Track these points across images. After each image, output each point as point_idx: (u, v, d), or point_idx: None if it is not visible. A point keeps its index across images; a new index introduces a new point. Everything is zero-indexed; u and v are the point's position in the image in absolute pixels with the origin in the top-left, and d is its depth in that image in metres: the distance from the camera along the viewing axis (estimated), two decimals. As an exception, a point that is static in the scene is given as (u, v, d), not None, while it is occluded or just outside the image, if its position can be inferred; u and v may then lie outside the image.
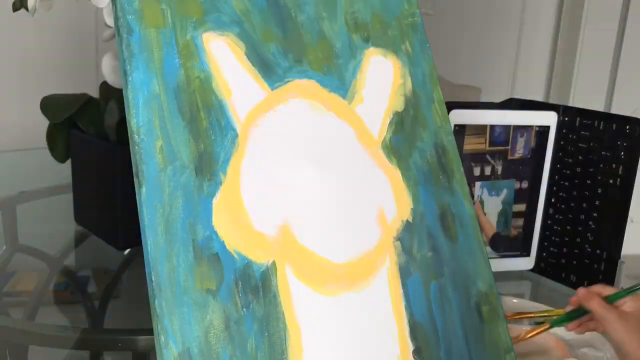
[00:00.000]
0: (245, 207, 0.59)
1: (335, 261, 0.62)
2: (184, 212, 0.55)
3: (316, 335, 0.58)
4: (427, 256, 0.68)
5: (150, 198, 0.54)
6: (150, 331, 0.76)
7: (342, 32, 0.72)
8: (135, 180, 0.55)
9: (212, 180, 0.58)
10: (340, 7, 0.73)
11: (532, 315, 0.84)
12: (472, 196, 0.97)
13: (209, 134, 0.59)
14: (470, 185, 0.98)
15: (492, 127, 0.87)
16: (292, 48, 0.68)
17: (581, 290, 0.72)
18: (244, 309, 0.55)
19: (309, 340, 0.58)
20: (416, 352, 0.64)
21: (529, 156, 0.99)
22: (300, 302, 0.58)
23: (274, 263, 0.58)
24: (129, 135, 0.57)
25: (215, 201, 0.57)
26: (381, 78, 0.73)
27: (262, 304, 0.56)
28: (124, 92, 0.58)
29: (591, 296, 0.70)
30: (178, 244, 0.54)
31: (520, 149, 0.96)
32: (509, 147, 0.92)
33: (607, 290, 0.71)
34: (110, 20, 0.76)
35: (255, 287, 0.56)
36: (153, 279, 0.52)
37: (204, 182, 0.57)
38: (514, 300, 0.87)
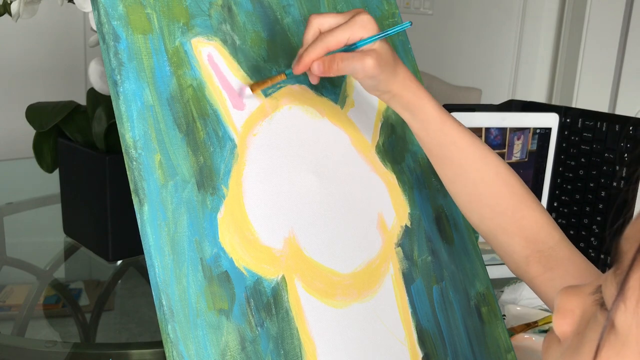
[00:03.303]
0: (250, 220, 0.56)
1: (341, 272, 0.60)
2: (190, 229, 0.52)
3: (330, 350, 0.56)
4: (427, 260, 0.68)
5: (153, 217, 0.51)
6: (143, 345, 0.74)
7: (328, 34, 0.70)
8: (134, 198, 0.52)
9: (215, 194, 0.55)
10: (323, 7, 0.71)
11: (539, 323, 0.85)
12: None
13: (207, 146, 0.56)
14: None
15: (488, 129, 0.86)
16: (282, 52, 0.65)
17: (317, 65, 0.57)
18: (259, 328, 0.53)
19: (324, 354, 0.56)
20: (425, 358, 0.63)
21: (526, 159, 0.98)
22: (313, 317, 0.56)
23: (283, 277, 0.56)
24: (123, 150, 0.53)
25: (220, 216, 0.54)
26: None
27: (275, 321, 0.54)
28: (114, 103, 0.54)
29: (329, 60, 0.56)
30: (186, 264, 0.51)
31: (517, 152, 0.95)
32: (505, 150, 0.92)
33: (335, 40, 0.57)
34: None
35: (267, 304, 0.54)
36: (164, 302, 0.49)
37: (207, 197, 0.54)
38: (517, 308, 0.88)
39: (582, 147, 0.98)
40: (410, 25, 0.61)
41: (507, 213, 0.59)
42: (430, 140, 0.60)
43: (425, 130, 0.60)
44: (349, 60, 0.56)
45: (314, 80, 0.61)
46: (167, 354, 0.49)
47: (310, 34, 0.58)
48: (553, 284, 0.57)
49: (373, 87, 0.59)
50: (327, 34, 0.57)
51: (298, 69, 0.58)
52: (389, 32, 0.59)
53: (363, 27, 0.57)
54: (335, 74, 0.57)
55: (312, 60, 0.57)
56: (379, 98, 0.61)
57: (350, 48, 0.57)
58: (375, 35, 0.57)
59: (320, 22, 0.58)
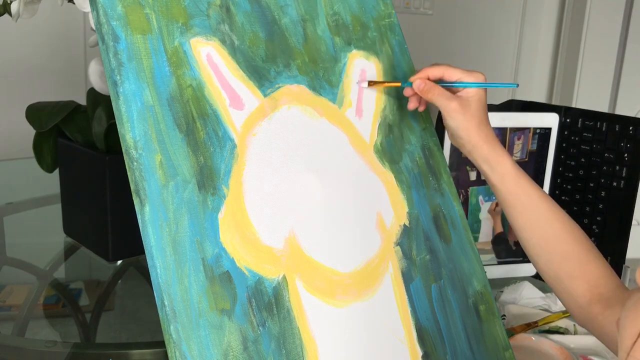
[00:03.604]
0: (251, 220, 0.56)
1: (342, 271, 0.61)
2: (191, 230, 0.52)
3: (331, 349, 0.57)
4: (426, 259, 0.68)
5: (154, 217, 0.51)
6: (143, 345, 0.73)
7: (326, 34, 0.70)
8: (135, 198, 0.52)
9: (216, 194, 0.55)
10: (320, 7, 0.71)
11: (539, 323, 0.85)
12: (467, 199, 0.96)
13: (207, 146, 0.56)
14: (466, 189, 0.96)
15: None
16: (280, 52, 0.65)
17: (418, 82, 0.68)
18: (260, 328, 0.53)
19: (325, 354, 0.56)
20: (425, 357, 0.63)
21: (526, 159, 0.98)
22: (314, 316, 0.56)
23: (284, 277, 0.56)
24: (123, 150, 0.53)
25: (220, 216, 0.55)
26: (362, 85, 0.72)
27: (277, 321, 0.54)
28: (114, 104, 0.54)
29: (431, 86, 0.68)
30: (188, 264, 0.51)
31: (517, 152, 0.95)
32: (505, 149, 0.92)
33: (450, 74, 0.69)
34: (97, 26, 0.72)
35: (268, 304, 0.54)
36: (166, 303, 0.49)
37: (208, 197, 0.54)
38: (516, 307, 0.88)
39: (582, 147, 0.98)
40: (517, 86, 0.72)
41: (572, 259, 0.65)
42: (505, 191, 0.67)
43: (502, 182, 0.67)
44: (440, 95, 0.68)
45: (411, 105, 0.71)
46: (169, 355, 0.49)
47: (435, 64, 0.70)
48: (613, 320, 0.60)
49: (455, 131, 0.68)
50: (448, 67, 0.69)
51: (415, 77, 0.69)
52: (490, 84, 0.69)
53: (475, 77, 0.68)
54: (427, 99, 0.69)
55: (427, 75, 0.69)
56: (461, 149, 0.70)
57: (453, 85, 0.68)
58: (475, 83, 0.68)
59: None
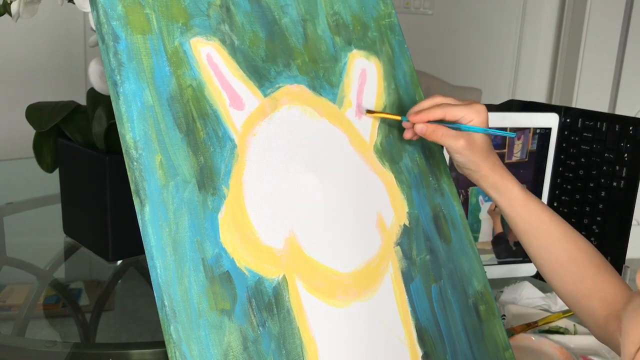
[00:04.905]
0: (251, 220, 0.56)
1: (342, 271, 0.61)
2: (191, 230, 0.52)
3: (331, 349, 0.57)
4: (426, 259, 0.68)
5: (154, 217, 0.51)
6: (143, 345, 0.73)
7: (326, 34, 0.70)
8: (135, 198, 0.52)
9: (216, 194, 0.55)
10: (320, 7, 0.71)
11: (539, 323, 0.85)
12: (467, 199, 0.96)
13: (207, 146, 0.56)
14: (466, 189, 0.96)
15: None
16: (280, 52, 0.65)
17: (420, 127, 0.67)
18: (260, 328, 0.53)
19: (325, 353, 0.56)
20: (425, 357, 0.63)
21: (526, 159, 0.97)
22: (314, 316, 0.56)
23: (284, 277, 0.56)
24: (123, 150, 0.53)
25: (220, 216, 0.55)
26: (366, 81, 0.72)
27: (277, 321, 0.54)
28: (114, 104, 0.54)
29: (434, 128, 0.67)
30: (188, 264, 0.51)
31: (517, 152, 0.95)
32: (505, 150, 0.92)
33: (452, 114, 0.67)
34: (97, 26, 0.72)
35: (268, 304, 0.54)
36: (166, 303, 0.49)
37: (208, 197, 0.54)
38: (516, 307, 0.88)
39: (582, 147, 0.98)
40: (515, 136, 0.74)
41: (587, 279, 0.65)
42: (516, 216, 0.68)
43: (512, 207, 0.68)
44: (447, 136, 0.67)
45: (407, 135, 0.70)
46: (169, 355, 0.49)
47: (435, 100, 0.69)
48: None
49: (463, 164, 0.68)
50: (448, 106, 0.67)
51: (414, 119, 0.67)
52: (493, 131, 0.69)
53: (477, 113, 0.67)
54: (431, 140, 0.68)
55: (428, 119, 0.67)
56: (469, 178, 0.70)
57: (457, 127, 0.67)
58: (480, 128, 0.67)
59: (442, 97, 0.69)
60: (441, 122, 0.68)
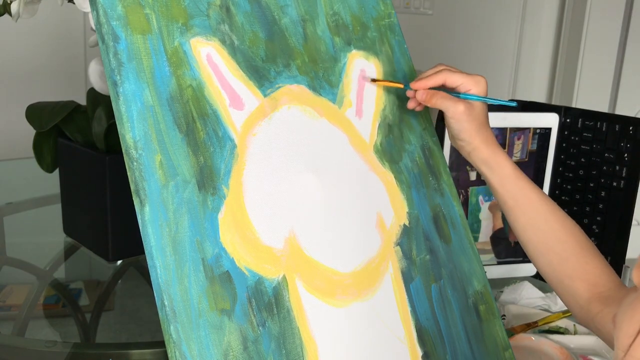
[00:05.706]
0: (251, 220, 0.56)
1: (342, 271, 0.61)
2: (191, 230, 0.52)
3: (331, 349, 0.57)
4: (426, 259, 0.68)
5: (154, 217, 0.51)
6: (143, 345, 0.73)
7: (325, 34, 0.70)
8: (135, 198, 0.52)
9: (216, 194, 0.55)
10: (320, 8, 0.71)
11: (539, 323, 0.85)
12: (467, 199, 0.96)
13: (207, 146, 0.56)
14: (466, 189, 0.96)
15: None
16: (280, 52, 0.65)
17: (420, 93, 0.68)
18: (260, 328, 0.53)
19: (325, 353, 0.56)
20: (425, 357, 0.63)
21: (526, 159, 0.97)
22: (314, 316, 0.57)
23: (284, 277, 0.56)
24: (123, 150, 0.53)
25: (220, 216, 0.55)
26: (366, 81, 0.72)
27: (277, 321, 0.54)
28: (114, 104, 0.54)
29: (433, 93, 0.68)
30: (188, 264, 0.51)
31: (517, 152, 0.95)
32: (505, 151, 0.92)
33: (451, 80, 0.68)
34: (97, 26, 0.72)
35: (268, 304, 0.54)
36: (166, 303, 0.49)
37: (208, 197, 0.54)
38: (516, 307, 0.88)
39: (582, 147, 0.98)
40: (515, 105, 0.72)
41: (572, 259, 0.65)
42: (505, 193, 0.68)
43: (501, 184, 0.68)
44: (446, 99, 0.67)
45: (411, 105, 0.70)
46: (169, 355, 0.49)
47: (438, 68, 0.69)
48: (611, 318, 0.60)
49: (458, 133, 0.68)
50: (449, 72, 0.68)
51: (416, 85, 0.69)
52: (491, 100, 0.69)
53: (476, 82, 0.68)
54: (431, 106, 0.69)
55: (429, 85, 0.68)
56: (460, 151, 0.70)
57: (456, 95, 0.68)
58: (478, 96, 0.68)
59: (445, 66, 0.70)
60: (442, 90, 0.69)
